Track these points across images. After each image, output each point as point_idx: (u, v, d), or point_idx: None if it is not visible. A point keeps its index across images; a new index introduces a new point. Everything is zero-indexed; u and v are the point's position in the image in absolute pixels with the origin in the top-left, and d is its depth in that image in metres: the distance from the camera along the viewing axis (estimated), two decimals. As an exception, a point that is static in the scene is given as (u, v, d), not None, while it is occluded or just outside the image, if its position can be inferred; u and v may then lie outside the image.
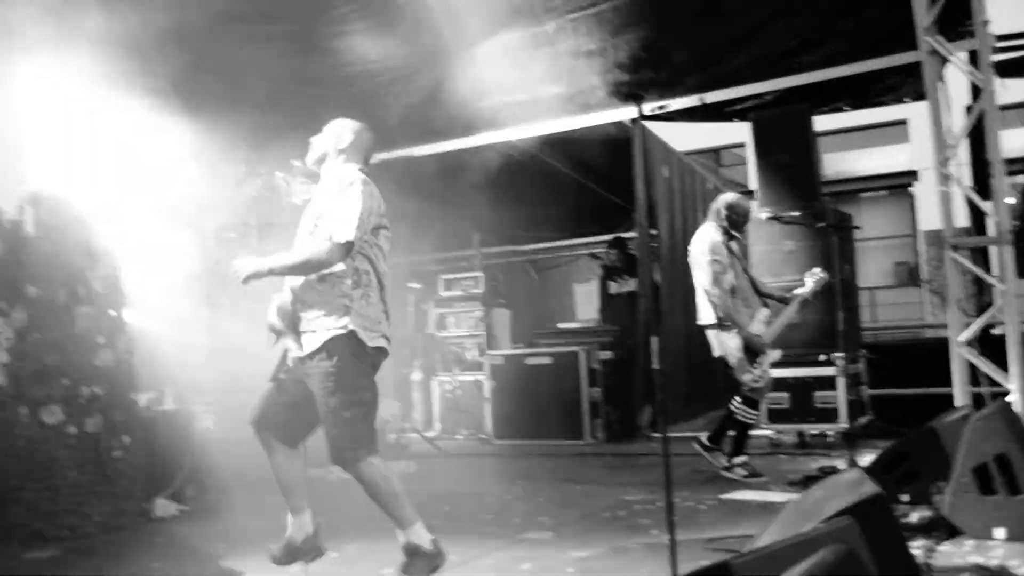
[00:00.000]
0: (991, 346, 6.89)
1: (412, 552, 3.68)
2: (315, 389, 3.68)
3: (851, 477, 3.42)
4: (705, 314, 6.01)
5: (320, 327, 3.66)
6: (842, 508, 3.14)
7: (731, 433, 6.03)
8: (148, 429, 5.91)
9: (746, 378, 5.83)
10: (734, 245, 6.06)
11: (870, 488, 3.20)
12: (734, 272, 5.98)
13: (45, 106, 6.60)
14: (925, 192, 17.83)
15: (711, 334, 6.01)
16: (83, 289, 5.69)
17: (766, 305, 6.15)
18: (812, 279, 6.06)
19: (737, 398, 5.96)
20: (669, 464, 3.58)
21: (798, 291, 6.08)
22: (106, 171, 7.25)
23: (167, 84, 8.56)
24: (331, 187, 3.79)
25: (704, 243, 5.97)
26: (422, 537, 3.68)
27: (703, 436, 6.16)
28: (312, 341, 3.68)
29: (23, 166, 6.29)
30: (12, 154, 6.54)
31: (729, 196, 6.24)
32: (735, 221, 6.03)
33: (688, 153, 10.83)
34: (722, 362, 5.97)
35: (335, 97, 9.57)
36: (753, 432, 6.06)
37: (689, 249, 6.07)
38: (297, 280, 3.74)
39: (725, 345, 5.88)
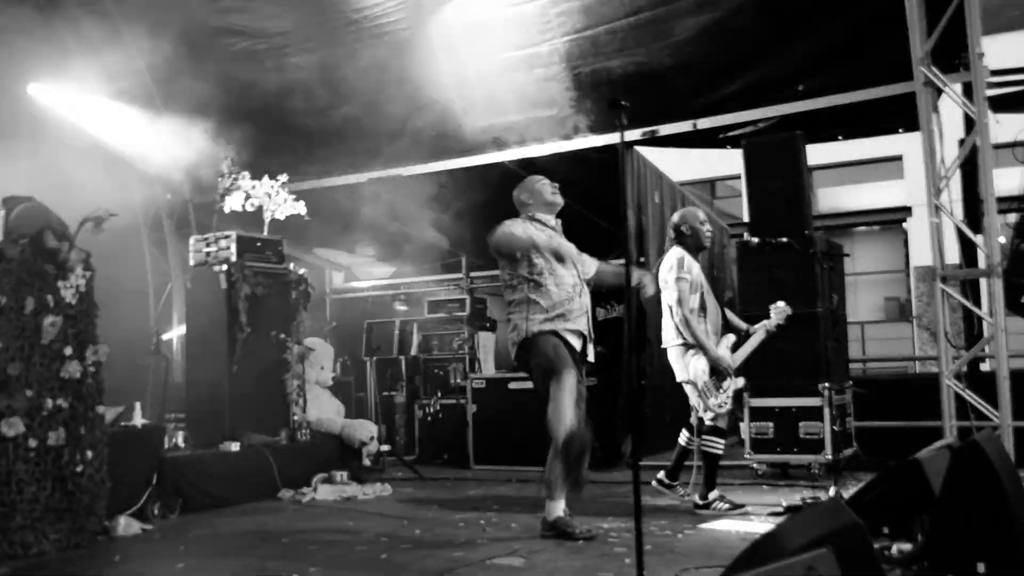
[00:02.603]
0: (981, 382, 6.79)
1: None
2: None
3: (829, 506, 3.28)
4: (669, 335, 5.86)
5: None
6: (819, 537, 2.99)
7: (689, 464, 5.93)
8: (113, 444, 5.73)
9: (711, 403, 5.66)
10: (703, 266, 5.96)
11: (848, 518, 3.06)
12: (703, 291, 5.84)
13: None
14: (918, 228, 17.79)
15: (674, 356, 5.85)
16: (53, 298, 5.54)
17: (731, 331, 6.02)
18: (775, 312, 5.98)
19: (686, 433, 5.91)
20: (639, 489, 3.42)
21: (761, 324, 5.99)
22: (88, 177, 7.18)
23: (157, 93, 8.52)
24: None
25: (672, 260, 5.84)
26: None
27: (660, 474, 6.06)
28: None
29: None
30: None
31: (681, 211, 6.17)
32: (695, 233, 5.90)
33: (682, 183, 10.75)
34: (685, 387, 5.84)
35: (331, 118, 9.53)
36: (723, 463, 5.88)
37: (659, 270, 5.96)
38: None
39: (691, 367, 5.72)
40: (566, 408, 4.92)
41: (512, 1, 7.72)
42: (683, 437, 5.96)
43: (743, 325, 6.18)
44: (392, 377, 10.43)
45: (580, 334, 5.17)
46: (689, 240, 5.91)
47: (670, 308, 5.81)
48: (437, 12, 7.97)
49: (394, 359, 10.34)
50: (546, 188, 5.42)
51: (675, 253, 5.87)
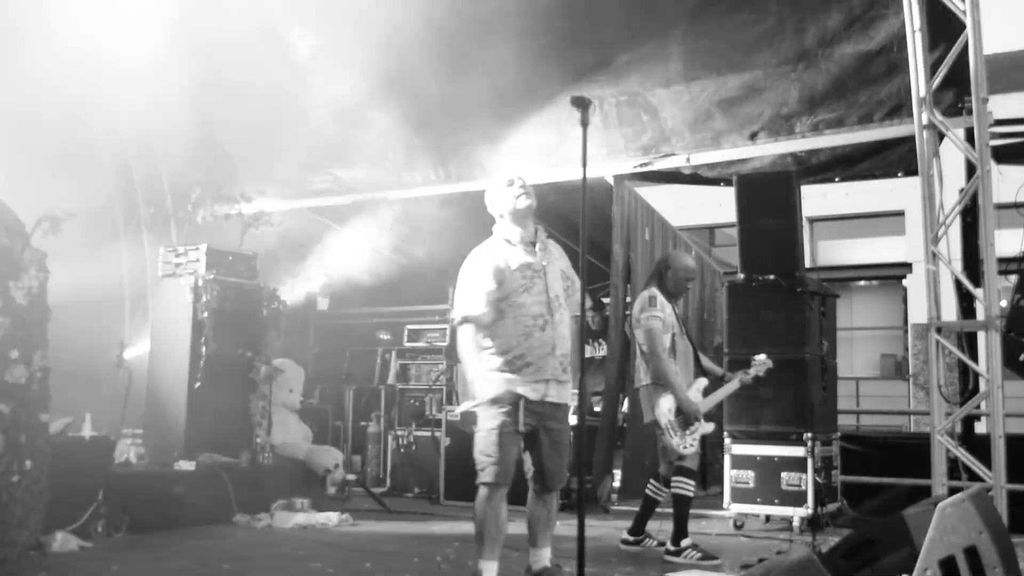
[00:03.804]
0: (976, 443, 6.51)
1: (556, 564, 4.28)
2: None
3: (797, 559, 2.98)
4: (639, 375, 5.69)
5: None
6: (782, 592, 2.70)
7: (656, 512, 5.69)
8: (58, 456, 5.42)
9: (674, 442, 5.41)
10: (676, 308, 5.73)
11: (817, 571, 2.77)
12: (678, 333, 5.64)
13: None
14: (918, 285, 17.51)
15: (643, 395, 5.64)
16: (2, 299, 5.27)
17: (705, 376, 5.78)
18: (756, 364, 5.78)
19: (653, 483, 5.71)
20: (583, 534, 3.14)
21: (737, 373, 5.79)
22: (49, 175, 6.95)
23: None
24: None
25: (645, 297, 5.66)
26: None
27: (624, 533, 5.82)
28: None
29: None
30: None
31: (671, 253, 6.11)
32: (676, 280, 5.71)
33: (680, 229, 10.50)
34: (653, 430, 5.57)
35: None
36: (703, 511, 5.59)
37: (631, 310, 5.73)
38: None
39: (658, 406, 5.46)
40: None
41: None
42: (650, 487, 5.71)
43: (718, 371, 6.01)
44: (367, 406, 10.13)
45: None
46: (668, 283, 5.73)
47: (640, 347, 5.58)
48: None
49: (374, 388, 10.05)
50: (510, 193, 4.37)
51: (649, 292, 5.71)
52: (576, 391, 4.56)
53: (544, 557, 4.25)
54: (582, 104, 3.38)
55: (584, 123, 3.40)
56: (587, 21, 7.60)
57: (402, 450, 9.00)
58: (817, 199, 16.81)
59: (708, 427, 5.58)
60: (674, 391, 5.44)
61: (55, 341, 5.61)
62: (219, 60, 7.67)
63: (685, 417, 5.44)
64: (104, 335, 7.83)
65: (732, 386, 5.75)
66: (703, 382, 5.70)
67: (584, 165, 3.50)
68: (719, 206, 16.09)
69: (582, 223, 3.55)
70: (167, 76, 7.56)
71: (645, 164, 7.82)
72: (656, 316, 5.51)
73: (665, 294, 5.66)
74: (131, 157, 8.40)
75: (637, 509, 5.92)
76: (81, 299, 7.71)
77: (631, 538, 5.74)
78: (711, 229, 20.23)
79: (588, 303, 9.46)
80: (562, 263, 4.45)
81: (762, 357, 5.80)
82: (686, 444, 5.43)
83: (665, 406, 5.44)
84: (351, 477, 8.08)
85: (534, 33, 7.44)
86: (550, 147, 8.24)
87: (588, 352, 9.36)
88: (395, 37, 7.73)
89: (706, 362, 5.95)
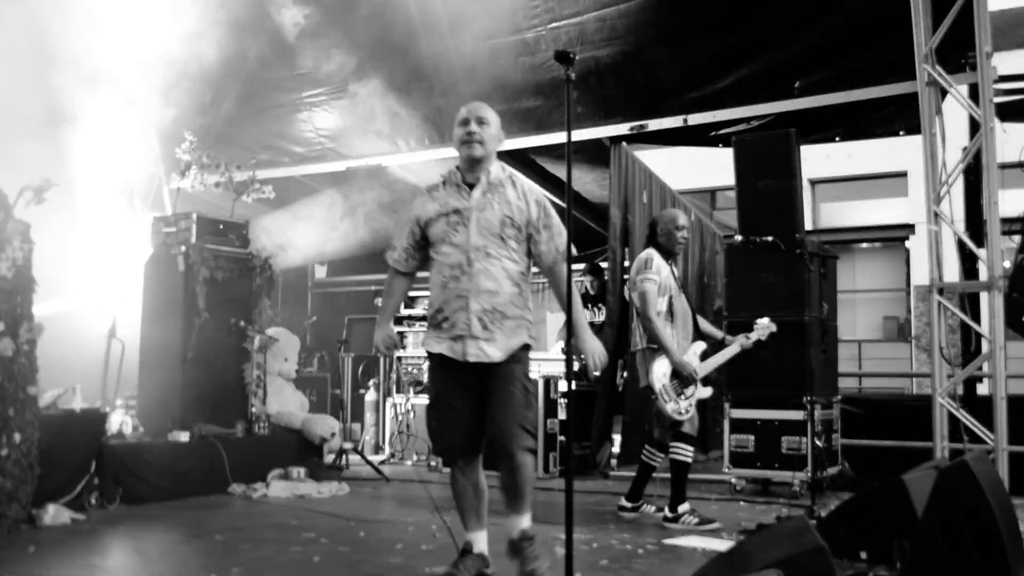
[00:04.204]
0: (978, 405, 6.42)
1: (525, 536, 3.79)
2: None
3: (793, 526, 2.90)
4: (635, 339, 5.55)
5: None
6: (776, 560, 2.63)
7: (653, 478, 5.54)
8: (48, 428, 5.36)
9: (669, 407, 5.30)
10: (675, 268, 5.58)
11: (811, 540, 2.69)
12: (676, 294, 5.49)
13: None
14: (920, 246, 17.39)
15: (639, 360, 5.51)
16: (-15, 270, 5.18)
17: (703, 339, 5.66)
18: (758, 328, 5.68)
19: (648, 448, 5.54)
20: (571, 500, 3.07)
21: (738, 337, 5.68)
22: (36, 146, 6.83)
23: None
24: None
25: (641, 260, 5.52)
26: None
27: (622, 499, 5.71)
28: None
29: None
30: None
31: (661, 212, 5.92)
32: (668, 235, 5.54)
33: (681, 192, 10.36)
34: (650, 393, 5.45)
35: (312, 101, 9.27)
36: (702, 476, 5.49)
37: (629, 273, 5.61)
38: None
39: (652, 370, 5.35)
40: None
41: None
42: (645, 453, 5.58)
43: (718, 334, 5.87)
44: (365, 373, 10.08)
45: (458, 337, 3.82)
46: (662, 241, 5.57)
47: (635, 309, 5.48)
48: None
49: (372, 356, 9.99)
50: (457, 134, 3.90)
51: (645, 253, 5.57)
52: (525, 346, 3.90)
53: (516, 525, 3.79)
54: (565, 60, 3.24)
55: (568, 78, 3.26)
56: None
57: (400, 418, 8.95)
58: (819, 160, 16.63)
59: (705, 392, 5.48)
60: (668, 354, 5.34)
61: (43, 312, 5.55)
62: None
63: (681, 381, 5.35)
64: (96, 306, 7.72)
65: (732, 350, 5.65)
66: (701, 346, 5.58)
67: (568, 124, 3.36)
68: (720, 168, 15.85)
69: (568, 184, 3.42)
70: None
71: (641, 126, 7.69)
72: (651, 279, 5.38)
73: (662, 254, 5.52)
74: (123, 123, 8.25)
75: (627, 474, 5.85)
76: (70, 270, 7.66)
77: (628, 504, 5.67)
78: (712, 192, 20.05)
79: (585, 267, 9.48)
80: (516, 207, 3.84)
81: (765, 321, 5.71)
82: (681, 409, 5.34)
83: (659, 370, 5.34)
84: (348, 446, 8.03)
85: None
86: (544, 111, 8.14)
87: (588, 317, 9.28)
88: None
89: (705, 325, 5.82)
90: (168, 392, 6.76)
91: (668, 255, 5.55)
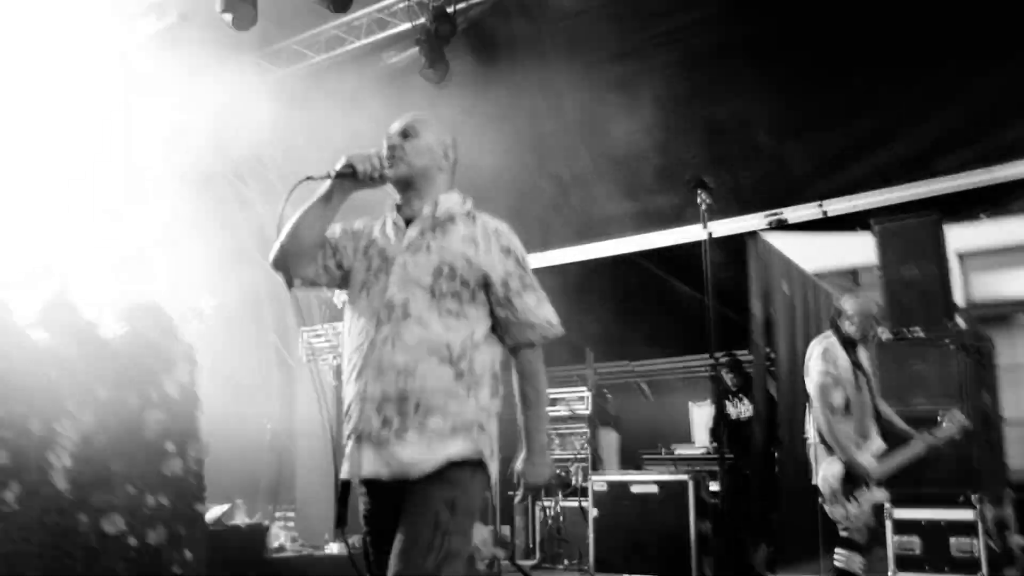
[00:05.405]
0: None
1: None
2: None
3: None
4: (809, 430, 5.25)
5: None
6: None
7: None
8: (214, 545, 5.60)
9: (838, 513, 5.00)
10: (861, 358, 5.24)
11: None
12: (852, 388, 5.13)
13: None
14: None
15: (809, 454, 5.24)
16: (156, 393, 5.51)
17: (885, 436, 5.30)
18: (948, 422, 5.16)
19: (838, 549, 5.13)
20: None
21: (925, 434, 5.18)
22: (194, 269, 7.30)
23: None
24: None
25: (818, 349, 5.22)
26: None
27: None
28: None
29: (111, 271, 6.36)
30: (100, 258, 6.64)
31: (846, 299, 5.42)
32: (854, 326, 5.20)
33: (820, 273, 10.15)
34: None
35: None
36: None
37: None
38: None
39: (821, 469, 5.06)
40: None
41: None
42: (836, 556, 5.15)
43: (906, 429, 5.33)
44: (513, 474, 10.09)
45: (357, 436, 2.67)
46: (847, 330, 5.21)
47: (810, 402, 5.23)
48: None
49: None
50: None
51: (823, 343, 5.25)
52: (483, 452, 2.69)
53: None
54: (703, 186, 3.29)
55: (704, 204, 3.31)
56: (713, 78, 7.54)
57: (550, 521, 8.91)
58: (967, 232, 15.96)
59: (881, 495, 5.09)
60: (841, 454, 5.03)
61: (205, 428, 5.86)
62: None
63: (853, 483, 5.02)
64: (253, 419, 8.08)
65: (915, 449, 5.14)
66: (879, 445, 5.20)
67: (705, 253, 3.40)
68: (862, 245, 15.48)
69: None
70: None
71: (778, 217, 7.63)
72: (826, 371, 5.09)
73: (843, 342, 5.22)
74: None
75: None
76: (228, 385, 8.05)
77: None
78: (854, 272, 19.46)
79: (725, 361, 9.33)
80: (463, 253, 2.71)
81: (956, 415, 5.21)
82: (851, 515, 5.00)
83: (831, 470, 5.04)
84: (500, 553, 8.03)
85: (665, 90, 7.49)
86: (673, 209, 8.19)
87: (734, 413, 9.11)
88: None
89: (892, 418, 5.39)
90: (324, 502, 6.97)
91: (850, 344, 5.24)
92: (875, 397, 5.32)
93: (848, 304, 5.34)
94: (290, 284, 2.84)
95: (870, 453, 5.15)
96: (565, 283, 9.06)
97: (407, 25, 8.00)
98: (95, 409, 5.28)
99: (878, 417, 5.30)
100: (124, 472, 5.22)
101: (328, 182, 2.73)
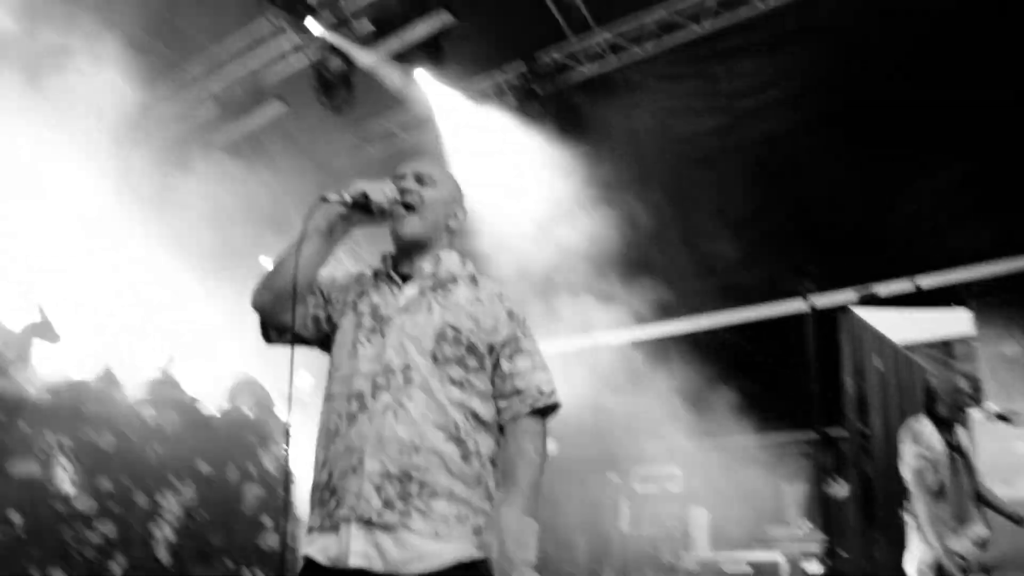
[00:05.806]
0: None
1: None
2: None
3: None
4: (905, 514, 5.05)
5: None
6: None
7: None
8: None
9: None
10: (960, 439, 5.03)
11: None
12: (947, 471, 4.92)
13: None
14: None
15: (905, 534, 5.02)
16: (254, 468, 5.69)
17: (987, 523, 5.01)
18: None
19: None
20: None
21: None
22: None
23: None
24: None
25: (908, 432, 5.04)
26: None
27: None
28: None
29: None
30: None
31: (935, 378, 5.28)
32: (945, 406, 5.03)
33: (912, 345, 9.93)
34: None
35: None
36: None
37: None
38: None
39: (909, 555, 4.87)
40: None
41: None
42: None
43: (1014, 512, 5.05)
44: (595, 555, 9.98)
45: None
46: (939, 410, 5.04)
47: (904, 484, 5.02)
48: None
49: (603, 532, 9.92)
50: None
51: (915, 425, 5.07)
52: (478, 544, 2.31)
53: None
54: (804, 274, 3.31)
55: (806, 289, 3.33)
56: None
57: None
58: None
59: None
60: (927, 540, 4.82)
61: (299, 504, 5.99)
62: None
63: (944, 572, 4.79)
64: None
65: None
66: (981, 532, 4.93)
67: (809, 328, 3.40)
68: (955, 318, 15.08)
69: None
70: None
71: (871, 293, 7.53)
72: (919, 454, 4.91)
73: (936, 422, 5.03)
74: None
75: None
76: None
77: None
78: (948, 343, 18.91)
79: (817, 439, 9.11)
80: (471, 314, 2.42)
81: None
82: None
83: (918, 555, 4.85)
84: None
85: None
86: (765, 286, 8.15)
87: (827, 491, 8.88)
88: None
89: (995, 501, 5.10)
90: None
91: (945, 424, 5.06)
92: (976, 480, 5.11)
93: (935, 383, 5.21)
94: (267, 336, 2.54)
95: (968, 539, 4.91)
96: (650, 357, 9.04)
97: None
98: (197, 483, 5.47)
99: (980, 501, 5.09)
100: (223, 546, 5.37)
101: (331, 210, 2.44)
